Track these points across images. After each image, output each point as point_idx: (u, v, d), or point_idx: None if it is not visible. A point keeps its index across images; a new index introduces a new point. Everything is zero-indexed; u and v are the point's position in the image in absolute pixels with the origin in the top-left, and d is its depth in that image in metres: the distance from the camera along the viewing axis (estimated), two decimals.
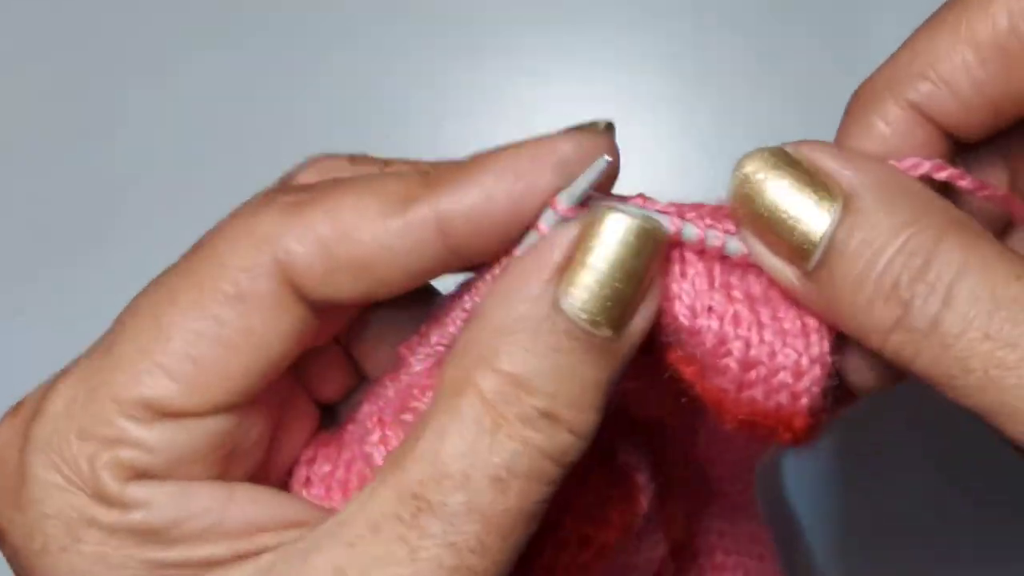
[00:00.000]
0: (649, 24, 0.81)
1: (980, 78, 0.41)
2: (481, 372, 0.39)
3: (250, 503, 0.41)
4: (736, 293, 0.41)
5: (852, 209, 0.39)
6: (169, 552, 0.40)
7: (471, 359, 0.39)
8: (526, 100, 0.81)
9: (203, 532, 0.40)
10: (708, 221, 0.41)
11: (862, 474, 0.75)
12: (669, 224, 0.41)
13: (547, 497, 0.40)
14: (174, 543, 0.40)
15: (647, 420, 0.49)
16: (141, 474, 0.40)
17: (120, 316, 0.41)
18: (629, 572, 0.49)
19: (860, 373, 0.42)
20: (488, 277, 0.42)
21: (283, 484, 0.47)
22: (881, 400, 0.46)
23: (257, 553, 0.40)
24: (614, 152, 0.42)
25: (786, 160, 0.40)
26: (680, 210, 0.42)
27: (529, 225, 0.41)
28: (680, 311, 0.41)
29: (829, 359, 0.41)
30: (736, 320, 0.41)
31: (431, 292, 0.47)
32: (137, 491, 0.39)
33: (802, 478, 0.74)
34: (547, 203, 0.41)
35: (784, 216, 0.39)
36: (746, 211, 0.40)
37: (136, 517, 0.39)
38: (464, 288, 0.44)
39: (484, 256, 0.42)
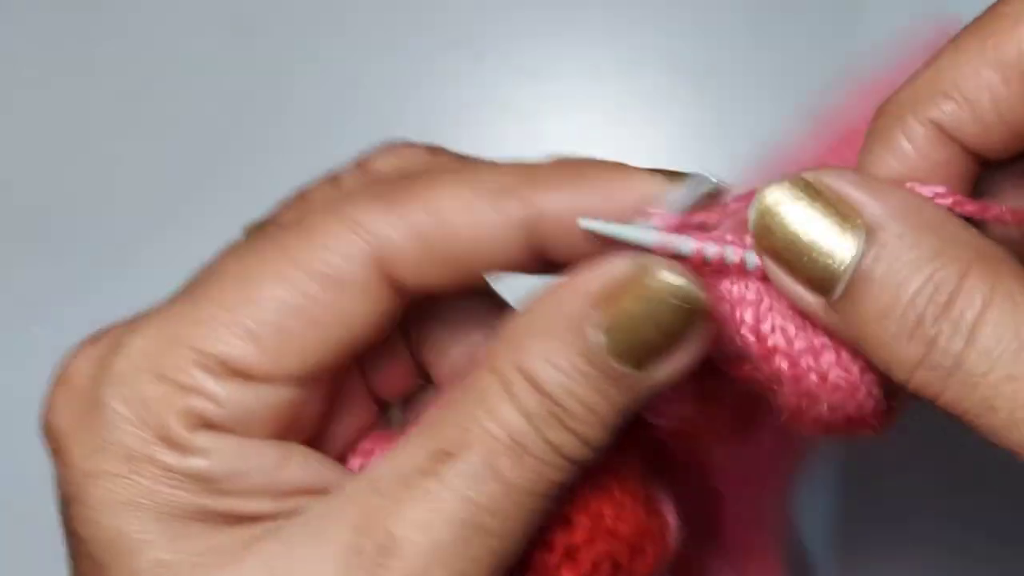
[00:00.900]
0: (649, 24, 0.81)
1: (1003, 100, 0.40)
2: (506, 363, 0.41)
3: (301, 467, 0.43)
4: (775, 320, 0.41)
5: (875, 241, 0.38)
6: (218, 502, 0.41)
7: (502, 347, 0.41)
8: (526, 100, 0.81)
9: (254, 488, 0.42)
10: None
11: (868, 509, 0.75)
12: (732, 254, 0.42)
13: (553, 491, 0.41)
14: (225, 494, 0.41)
15: (672, 459, 0.50)
16: (207, 424, 0.41)
17: (207, 272, 0.43)
18: None
19: None
20: None
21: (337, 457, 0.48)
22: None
23: (295, 513, 0.42)
24: (713, 202, 0.43)
25: (807, 190, 0.39)
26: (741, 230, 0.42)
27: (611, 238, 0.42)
28: (747, 336, 0.42)
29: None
30: (783, 354, 0.41)
31: (501, 302, 0.49)
32: (201, 439, 0.41)
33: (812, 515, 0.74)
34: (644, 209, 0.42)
35: (806, 247, 0.39)
36: (768, 242, 0.40)
37: (196, 463, 0.41)
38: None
39: (569, 259, 0.43)
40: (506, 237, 0.42)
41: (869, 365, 0.41)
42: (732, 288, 0.42)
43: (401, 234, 0.42)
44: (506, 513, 0.40)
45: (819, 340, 0.41)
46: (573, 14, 0.82)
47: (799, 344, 0.41)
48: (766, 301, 0.42)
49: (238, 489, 0.41)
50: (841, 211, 0.39)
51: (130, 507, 0.41)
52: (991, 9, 0.41)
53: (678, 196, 0.42)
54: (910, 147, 0.41)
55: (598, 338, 0.40)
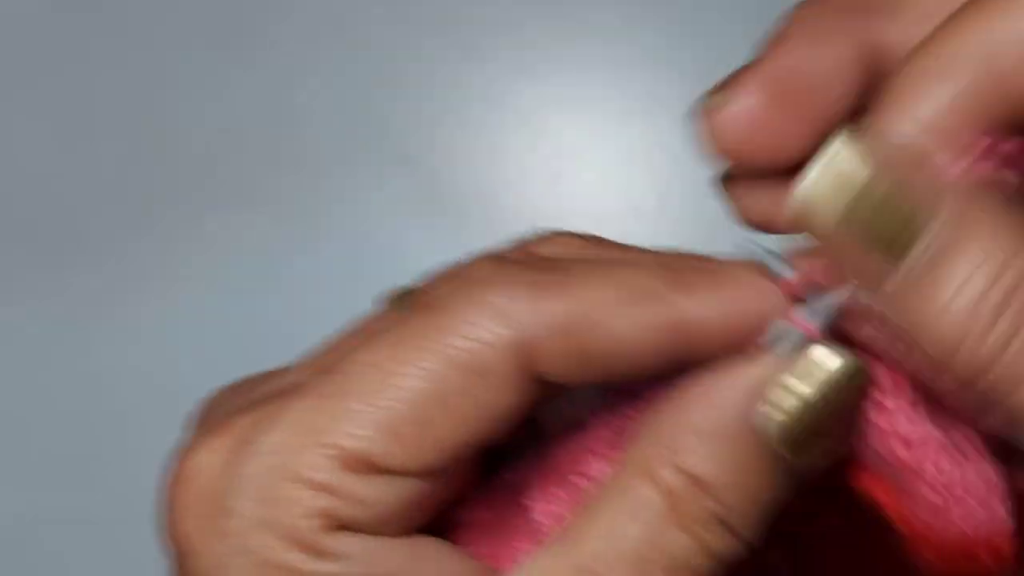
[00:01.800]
0: (649, 24, 0.81)
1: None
2: (665, 465, 0.39)
3: (434, 565, 0.41)
4: (936, 422, 0.40)
5: (934, 234, 0.37)
6: None
7: (658, 448, 0.39)
8: (526, 100, 0.81)
9: None
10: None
11: None
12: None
13: None
14: None
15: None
16: (342, 526, 0.40)
17: (335, 354, 0.41)
18: None
19: None
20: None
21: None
22: None
23: None
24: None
25: (866, 168, 0.38)
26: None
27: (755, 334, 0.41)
28: (895, 445, 0.40)
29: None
30: (937, 451, 0.40)
31: None
32: (336, 542, 0.39)
33: None
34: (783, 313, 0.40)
35: (865, 231, 0.38)
36: (821, 225, 0.38)
37: (330, 568, 0.39)
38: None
39: (706, 360, 0.41)
40: (647, 341, 0.40)
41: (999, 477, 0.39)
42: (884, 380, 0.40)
43: (545, 327, 0.40)
44: None
45: (962, 443, 0.40)
46: (573, 14, 0.82)
47: (945, 438, 0.39)
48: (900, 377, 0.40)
49: None
50: (903, 195, 0.38)
51: None
52: None
53: (821, 308, 0.40)
54: (934, 121, 0.39)
55: (769, 429, 0.39)
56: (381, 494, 0.40)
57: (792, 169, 0.41)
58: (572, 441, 0.44)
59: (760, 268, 0.41)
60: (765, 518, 0.40)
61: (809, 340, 0.40)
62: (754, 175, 0.44)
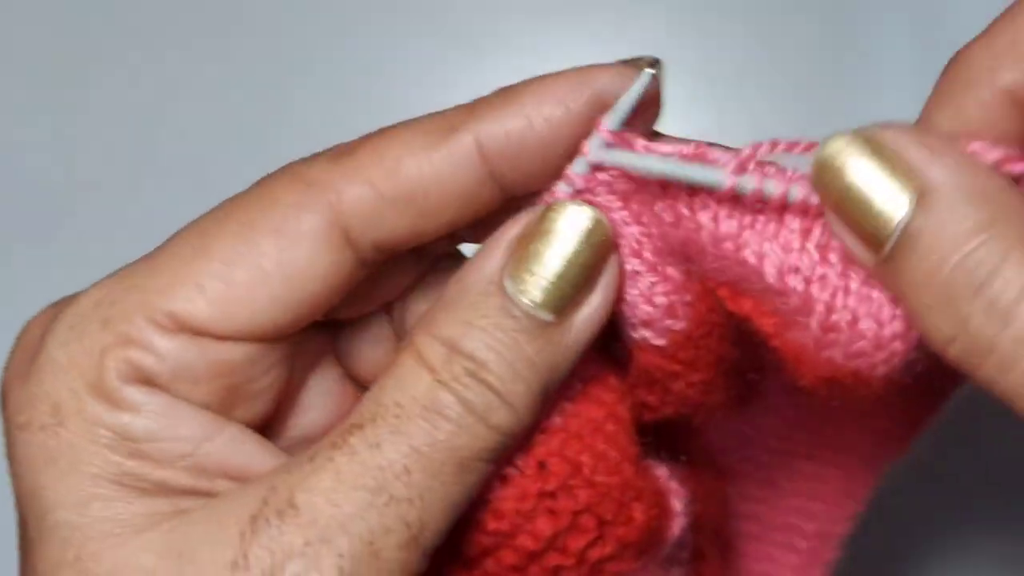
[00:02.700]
0: (648, 24, 0.81)
1: None
2: (420, 335, 0.41)
3: (230, 446, 0.42)
4: (832, 256, 0.41)
5: (926, 205, 0.37)
6: (137, 465, 0.40)
7: (417, 326, 0.41)
8: None
9: (174, 456, 0.41)
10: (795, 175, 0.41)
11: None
12: (752, 182, 0.41)
13: (478, 452, 0.40)
14: (142, 457, 0.40)
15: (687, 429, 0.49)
16: (143, 380, 0.41)
17: (170, 238, 0.43)
18: None
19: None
20: None
21: (295, 448, 0.47)
22: None
23: (210, 495, 0.41)
24: (657, 80, 0.43)
25: (869, 144, 0.39)
26: (759, 154, 0.42)
27: (572, 153, 0.42)
28: (767, 270, 0.41)
29: (914, 335, 0.40)
30: (822, 283, 0.41)
31: None
32: (133, 394, 0.40)
33: None
34: (588, 132, 0.42)
35: (861, 203, 0.38)
36: (826, 191, 0.39)
37: (119, 419, 0.40)
38: None
39: (526, 185, 0.43)
40: (459, 168, 0.42)
41: (903, 333, 0.40)
42: (767, 221, 0.41)
43: (354, 186, 0.42)
44: (419, 481, 0.39)
45: (861, 286, 0.40)
46: (573, 14, 0.82)
47: (840, 281, 0.41)
48: (818, 234, 0.41)
49: (155, 454, 0.40)
50: (898, 169, 0.38)
51: (49, 463, 0.40)
52: None
53: (620, 106, 0.42)
54: (981, 113, 0.40)
55: (512, 289, 0.40)
56: (186, 352, 0.41)
57: None
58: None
59: (561, 82, 0.42)
60: (526, 377, 0.40)
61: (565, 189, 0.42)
62: None
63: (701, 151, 0.42)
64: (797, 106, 0.79)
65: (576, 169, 0.42)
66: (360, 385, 0.49)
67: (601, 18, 0.82)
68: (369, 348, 0.48)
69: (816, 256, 0.41)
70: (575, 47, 0.82)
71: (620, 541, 0.43)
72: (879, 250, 0.38)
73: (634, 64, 0.43)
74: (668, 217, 0.42)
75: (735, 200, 0.41)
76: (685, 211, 0.42)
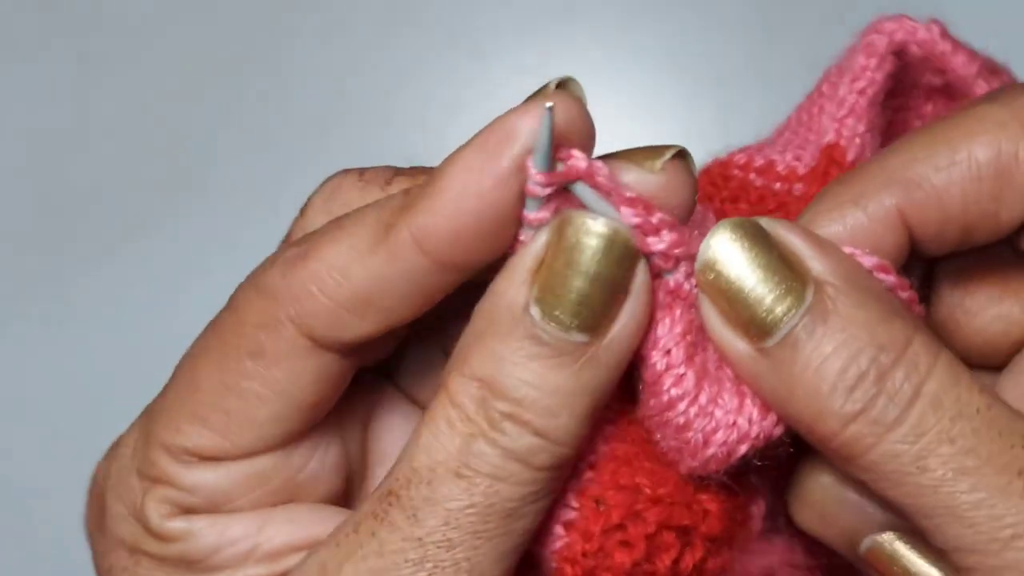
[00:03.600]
0: (649, 24, 0.81)
1: (972, 195, 0.42)
2: (452, 376, 0.40)
3: (286, 523, 0.44)
4: (697, 360, 0.41)
5: (823, 297, 0.39)
6: None
7: (449, 364, 0.40)
8: None
9: (241, 557, 0.43)
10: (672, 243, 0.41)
11: None
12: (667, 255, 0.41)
13: (524, 497, 0.40)
14: (215, 569, 0.43)
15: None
16: (183, 510, 0.43)
17: (177, 364, 0.45)
18: None
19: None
20: None
21: None
22: None
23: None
24: (570, 102, 0.42)
25: (761, 236, 0.40)
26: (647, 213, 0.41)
27: (514, 215, 0.41)
28: (646, 352, 0.42)
29: (733, 460, 0.41)
30: (677, 382, 0.42)
31: None
32: (176, 525, 0.43)
33: None
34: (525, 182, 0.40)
35: (751, 291, 0.39)
36: (712, 279, 0.40)
37: (176, 548, 0.43)
38: None
39: (479, 261, 0.41)
40: (403, 267, 0.41)
41: (721, 455, 0.41)
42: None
43: (307, 298, 0.41)
44: (463, 544, 0.39)
45: (709, 401, 0.41)
46: (573, 14, 0.82)
47: (694, 389, 0.41)
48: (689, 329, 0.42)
49: (225, 562, 0.43)
50: (790, 261, 0.39)
51: None
52: (966, 110, 0.42)
53: (538, 148, 0.40)
54: (867, 224, 0.42)
55: (540, 314, 0.39)
56: (212, 478, 0.43)
57: None
58: None
59: (475, 149, 0.40)
60: (565, 406, 0.40)
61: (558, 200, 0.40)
62: None
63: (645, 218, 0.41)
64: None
65: (529, 211, 0.41)
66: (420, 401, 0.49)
67: (602, 18, 0.82)
68: (426, 369, 0.48)
69: (681, 355, 0.42)
70: (575, 47, 0.82)
71: (706, 538, 0.43)
72: (762, 340, 0.39)
73: (537, 97, 0.42)
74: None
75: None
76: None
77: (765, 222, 0.40)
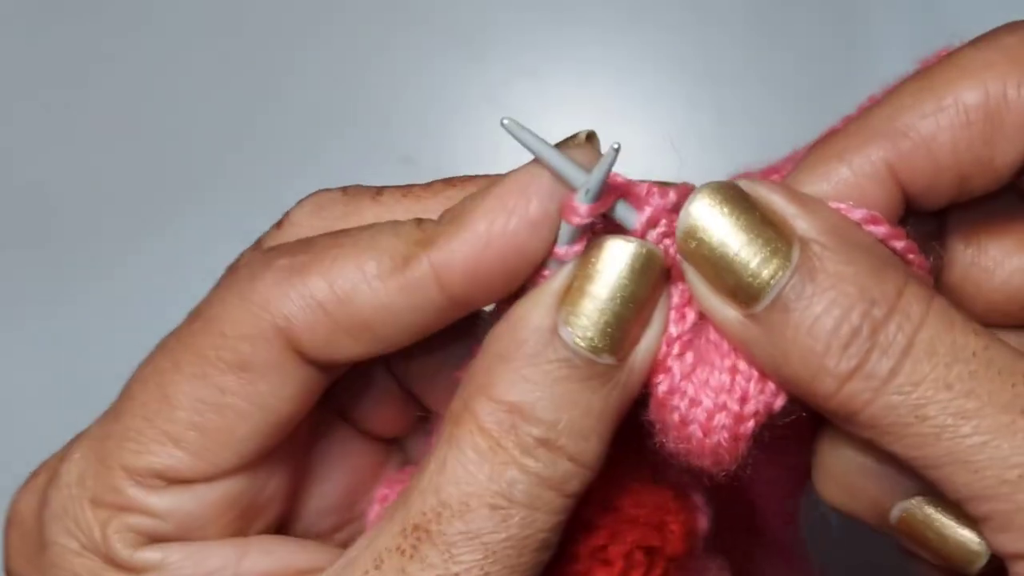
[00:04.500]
0: (649, 24, 0.81)
1: (963, 140, 0.40)
2: (479, 401, 0.39)
3: (264, 555, 0.42)
4: (688, 355, 0.41)
5: (810, 256, 0.38)
6: None
7: (471, 388, 0.39)
8: (526, 100, 0.81)
9: None
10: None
11: None
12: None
13: (555, 526, 0.39)
14: None
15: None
16: (153, 539, 0.41)
17: (127, 384, 0.42)
18: None
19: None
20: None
21: (335, 528, 0.47)
22: None
23: None
24: (595, 158, 0.41)
25: (741, 198, 0.39)
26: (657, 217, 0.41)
27: (539, 256, 0.41)
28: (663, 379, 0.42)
29: (741, 448, 0.41)
30: (669, 377, 0.41)
31: (478, 316, 0.47)
32: (148, 555, 0.40)
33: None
34: (557, 219, 0.40)
35: (735, 256, 0.38)
36: (695, 246, 0.39)
37: None
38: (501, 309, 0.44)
39: (492, 299, 0.41)
40: (417, 300, 0.40)
41: (725, 443, 0.41)
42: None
43: (306, 313, 0.40)
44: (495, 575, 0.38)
45: (700, 388, 0.41)
46: (572, 14, 0.82)
47: (683, 380, 0.41)
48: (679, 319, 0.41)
49: None
50: (773, 222, 0.39)
51: None
52: (949, 57, 0.41)
53: (592, 181, 0.40)
54: (853, 180, 0.41)
55: (570, 337, 0.38)
56: (183, 503, 0.40)
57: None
58: None
59: (508, 191, 0.40)
60: (594, 429, 0.39)
61: (588, 230, 0.40)
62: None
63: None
64: (797, 106, 0.79)
65: (561, 246, 0.41)
66: (371, 435, 0.48)
67: (602, 18, 0.82)
68: (374, 400, 0.47)
69: (674, 350, 0.41)
70: (575, 47, 0.82)
71: (668, 558, 0.44)
72: (751, 305, 0.38)
73: (572, 145, 0.41)
74: None
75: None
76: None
77: (745, 184, 0.39)
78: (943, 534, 0.41)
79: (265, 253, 0.42)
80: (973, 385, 0.37)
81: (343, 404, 0.47)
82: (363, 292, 0.40)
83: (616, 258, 0.39)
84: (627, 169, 0.43)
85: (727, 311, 0.39)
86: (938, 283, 0.44)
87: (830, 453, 0.43)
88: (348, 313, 0.40)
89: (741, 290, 0.38)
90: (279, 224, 0.45)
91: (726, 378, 0.41)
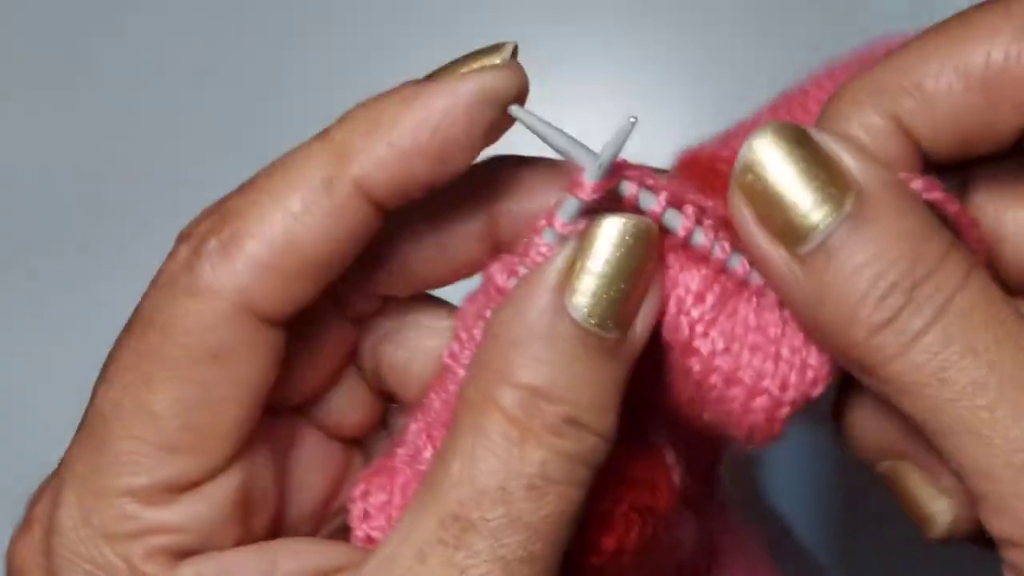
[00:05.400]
0: (649, 24, 0.81)
1: (960, 106, 0.41)
2: (499, 388, 0.39)
3: (295, 562, 0.42)
4: (723, 317, 0.42)
5: (864, 205, 0.39)
6: None
7: (488, 376, 0.40)
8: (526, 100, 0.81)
9: None
10: (710, 223, 0.42)
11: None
12: (680, 227, 0.42)
13: (583, 498, 0.40)
14: None
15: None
16: (179, 555, 0.40)
17: (91, 415, 0.41)
18: (675, 550, 0.50)
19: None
20: (500, 278, 0.43)
21: (314, 532, 0.47)
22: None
23: None
24: (520, 77, 0.42)
25: (806, 140, 0.39)
26: (681, 197, 0.42)
27: (470, 150, 0.41)
28: (681, 326, 0.42)
29: (776, 429, 0.42)
30: (727, 341, 0.42)
31: (443, 305, 0.48)
32: (185, 572, 0.40)
33: (778, 475, 0.74)
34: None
35: (791, 193, 0.39)
36: (751, 180, 0.40)
37: None
38: (481, 290, 0.44)
39: (421, 193, 0.41)
40: (345, 220, 0.41)
41: (761, 422, 0.42)
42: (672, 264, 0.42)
43: (254, 280, 0.40)
44: (540, 554, 0.39)
45: (753, 342, 0.42)
46: (573, 14, 0.82)
47: (717, 343, 0.42)
48: (708, 288, 0.42)
49: None
50: (832, 167, 0.39)
51: None
52: (962, 15, 0.41)
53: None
54: (866, 137, 0.42)
55: (580, 315, 0.39)
56: (197, 509, 0.40)
57: None
58: (445, 392, 0.46)
59: (433, 105, 0.41)
60: (611, 402, 0.40)
61: (587, 208, 0.41)
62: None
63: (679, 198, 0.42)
64: None
65: (563, 217, 0.42)
66: (344, 441, 0.49)
67: (602, 18, 0.82)
68: (345, 403, 0.48)
69: (708, 316, 0.42)
70: (575, 47, 0.82)
71: (658, 516, 0.45)
72: (798, 245, 0.39)
73: (496, 55, 0.42)
74: None
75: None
76: None
77: (811, 129, 0.40)
78: (914, 495, 0.42)
79: (185, 244, 0.41)
80: (998, 357, 0.37)
81: (314, 410, 0.47)
82: (297, 234, 0.40)
83: (611, 233, 0.40)
84: None
85: (772, 248, 0.40)
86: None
87: (853, 404, 0.44)
88: (293, 260, 0.40)
89: (790, 229, 0.39)
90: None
91: (769, 365, 0.42)
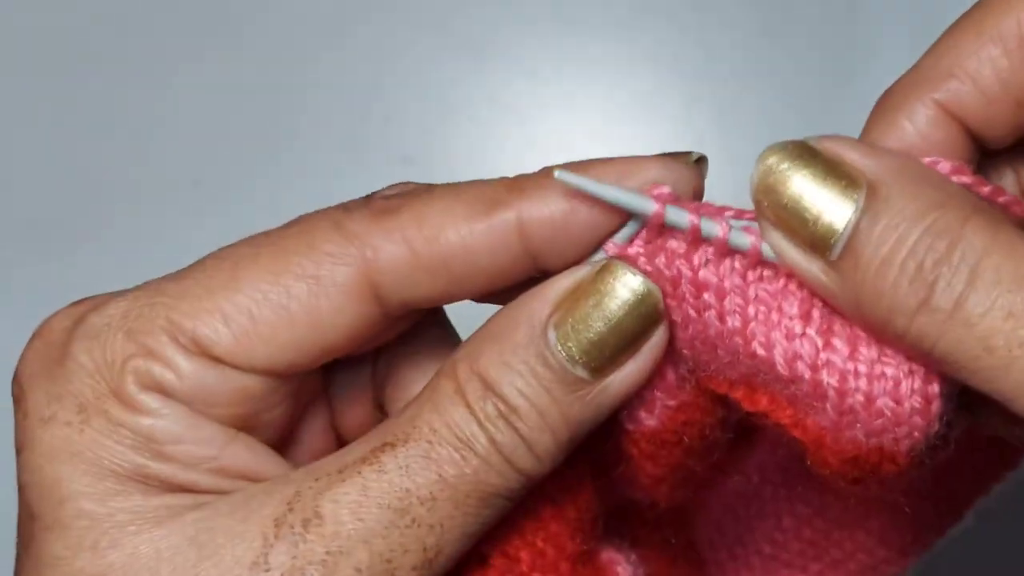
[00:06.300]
0: (648, 25, 0.81)
1: (1006, 70, 0.41)
2: (462, 366, 0.42)
3: (248, 451, 0.43)
4: (836, 340, 0.41)
5: (876, 196, 0.39)
6: (158, 466, 0.42)
7: (464, 351, 0.42)
8: (526, 100, 0.81)
9: (195, 459, 0.42)
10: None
11: None
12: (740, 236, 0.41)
13: (500, 492, 0.41)
14: (166, 459, 0.42)
15: (639, 503, 0.49)
16: (161, 390, 0.42)
17: (203, 259, 0.44)
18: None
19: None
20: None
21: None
22: None
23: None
24: (699, 183, 0.44)
25: (808, 152, 0.40)
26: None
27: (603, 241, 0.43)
28: (776, 359, 0.41)
29: (935, 408, 0.40)
30: (829, 368, 0.41)
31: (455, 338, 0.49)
32: (151, 400, 0.42)
33: None
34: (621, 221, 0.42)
35: (807, 206, 0.39)
36: (769, 202, 0.40)
37: (143, 421, 0.42)
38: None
39: (560, 263, 0.43)
40: (498, 244, 0.42)
41: (922, 408, 0.40)
42: (760, 287, 0.42)
43: (392, 245, 0.42)
44: (442, 509, 0.41)
45: (872, 367, 0.40)
46: (573, 14, 0.82)
47: (848, 364, 0.40)
48: (817, 317, 0.41)
49: (180, 457, 0.42)
50: (840, 171, 0.40)
51: (74, 456, 0.41)
52: (980, 1, 0.42)
53: (622, 233, 0.42)
54: (912, 128, 0.42)
55: (554, 340, 0.41)
56: (205, 376, 0.42)
57: None
58: None
59: (609, 172, 0.42)
60: (558, 435, 0.42)
61: (613, 257, 0.42)
62: None
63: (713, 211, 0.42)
64: (797, 106, 0.79)
65: (617, 239, 0.42)
66: (336, 434, 0.50)
67: (602, 18, 0.82)
68: (350, 400, 0.49)
69: (819, 341, 0.41)
70: (575, 47, 0.82)
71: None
72: (828, 252, 0.39)
73: (682, 159, 0.43)
74: (676, 317, 0.42)
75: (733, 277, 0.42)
76: (692, 312, 0.42)
77: (812, 139, 0.41)
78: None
79: (361, 199, 0.44)
80: None
81: (332, 401, 0.49)
82: (449, 231, 0.42)
83: (618, 286, 0.42)
84: None
85: (810, 264, 0.40)
86: None
87: None
88: (431, 250, 0.42)
89: (818, 239, 0.40)
90: (367, 198, 0.46)
91: (891, 354, 0.40)
